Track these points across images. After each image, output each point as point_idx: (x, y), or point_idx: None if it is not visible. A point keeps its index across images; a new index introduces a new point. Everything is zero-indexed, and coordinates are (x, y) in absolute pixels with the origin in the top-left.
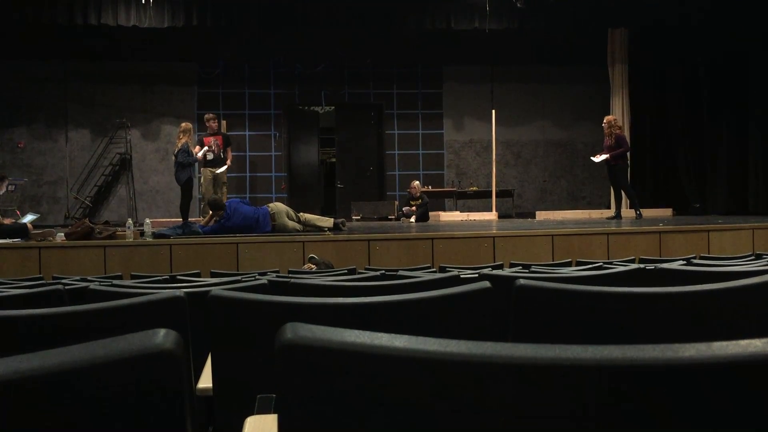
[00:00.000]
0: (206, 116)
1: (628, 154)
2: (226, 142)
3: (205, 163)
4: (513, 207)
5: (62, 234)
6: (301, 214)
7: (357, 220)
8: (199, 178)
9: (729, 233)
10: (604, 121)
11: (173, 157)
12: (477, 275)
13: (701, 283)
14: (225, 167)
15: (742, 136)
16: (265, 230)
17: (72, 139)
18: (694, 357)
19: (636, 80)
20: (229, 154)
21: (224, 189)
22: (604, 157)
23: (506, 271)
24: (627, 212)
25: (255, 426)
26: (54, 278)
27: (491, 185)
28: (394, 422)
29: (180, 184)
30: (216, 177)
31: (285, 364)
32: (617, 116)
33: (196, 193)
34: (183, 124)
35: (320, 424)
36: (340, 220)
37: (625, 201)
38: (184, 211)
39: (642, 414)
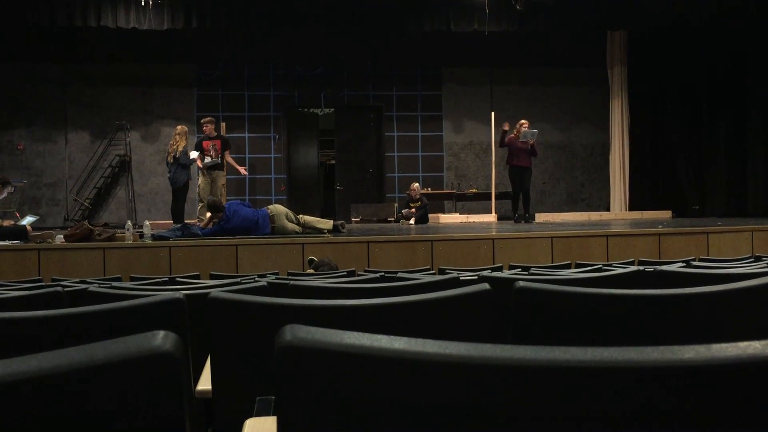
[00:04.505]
0: (203, 120)
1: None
2: (225, 145)
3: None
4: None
5: (61, 236)
6: (301, 216)
7: (356, 222)
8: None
9: (728, 235)
10: (524, 124)
11: (172, 160)
12: (476, 277)
13: (701, 286)
14: (223, 171)
15: (740, 139)
16: (265, 232)
17: (71, 140)
18: (694, 359)
19: (635, 82)
20: (228, 158)
21: (222, 192)
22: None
23: (505, 273)
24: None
25: (254, 428)
26: (53, 280)
27: (491, 187)
28: (393, 424)
29: (178, 186)
30: (214, 181)
31: (284, 366)
32: (616, 118)
33: (192, 195)
34: (180, 127)
35: (320, 427)
36: (340, 222)
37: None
38: (179, 214)
39: (642, 416)
